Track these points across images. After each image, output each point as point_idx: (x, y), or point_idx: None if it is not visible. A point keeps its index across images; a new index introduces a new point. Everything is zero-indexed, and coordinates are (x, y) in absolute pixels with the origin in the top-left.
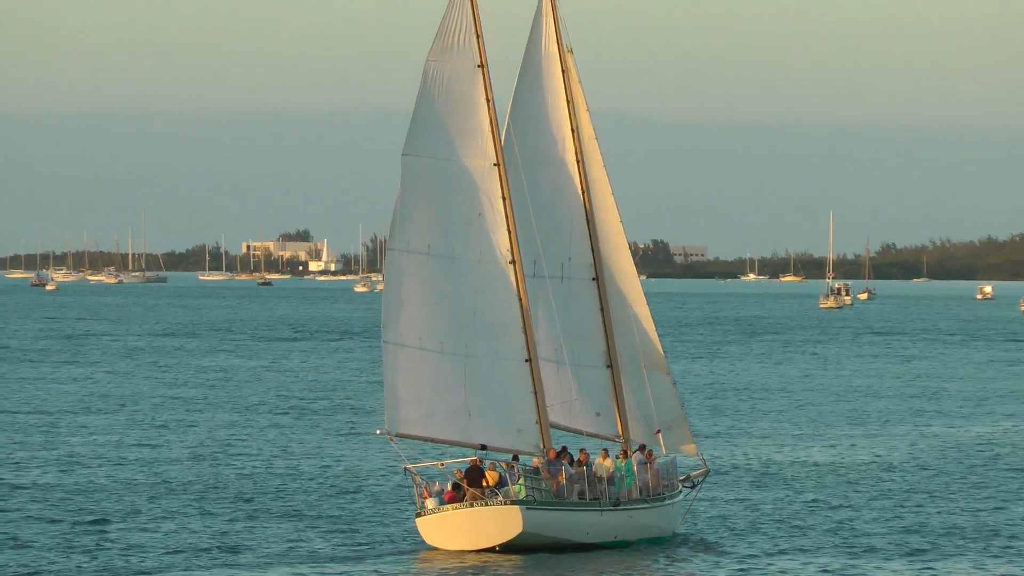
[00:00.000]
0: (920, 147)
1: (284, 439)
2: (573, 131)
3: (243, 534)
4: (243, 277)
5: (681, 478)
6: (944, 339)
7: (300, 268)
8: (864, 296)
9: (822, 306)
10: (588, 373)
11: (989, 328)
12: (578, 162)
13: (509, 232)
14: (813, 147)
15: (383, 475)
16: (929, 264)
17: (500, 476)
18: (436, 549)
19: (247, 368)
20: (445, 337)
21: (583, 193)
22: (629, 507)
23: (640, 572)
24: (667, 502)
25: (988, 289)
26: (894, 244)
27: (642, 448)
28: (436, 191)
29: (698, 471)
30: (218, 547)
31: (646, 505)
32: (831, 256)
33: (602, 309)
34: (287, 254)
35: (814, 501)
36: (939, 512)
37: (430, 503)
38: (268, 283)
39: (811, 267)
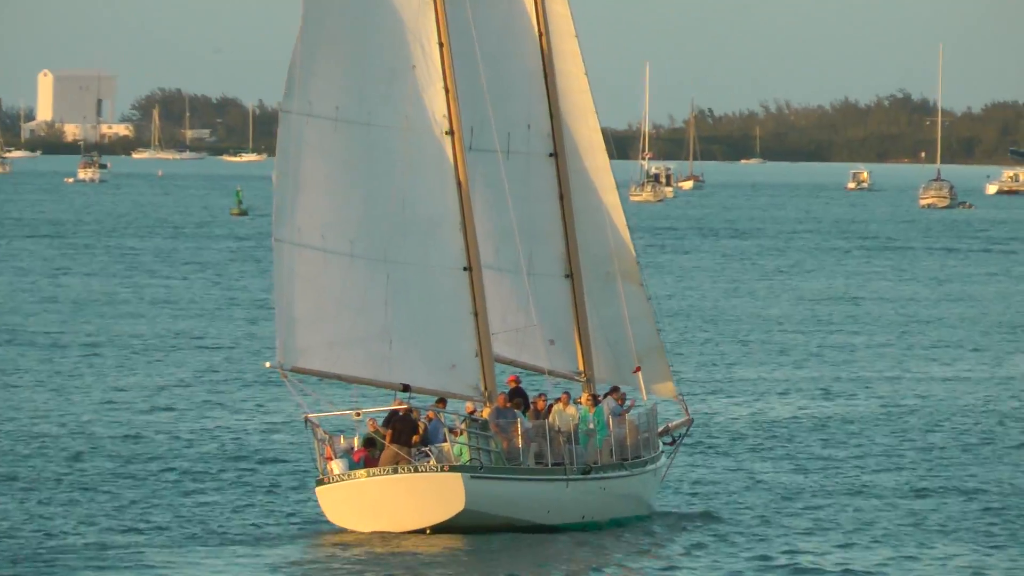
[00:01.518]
0: None
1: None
2: None
3: (58, 516)
4: None
5: (659, 430)
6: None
7: None
8: (688, 184)
9: (634, 199)
10: (541, 285)
11: (906, 231)
12: None
13: (447, 91)
14: None
15: (270, 428)
16: (763, 139)
17: (425, 429)
18: (342, 531)
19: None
20: (357, 234)
21: (541, 37)
22: (603, 475)
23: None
24: (648, 467)
25: (865, 175)
26: (711, 110)
27: (614, 391)
28: (349, 34)
29: (677, 421)
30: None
31: (624, 472)
32: (646, 128)
33: (562, 197)
34: None
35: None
36: (960, 486)
37: (335, 466)
38: None
39: None
